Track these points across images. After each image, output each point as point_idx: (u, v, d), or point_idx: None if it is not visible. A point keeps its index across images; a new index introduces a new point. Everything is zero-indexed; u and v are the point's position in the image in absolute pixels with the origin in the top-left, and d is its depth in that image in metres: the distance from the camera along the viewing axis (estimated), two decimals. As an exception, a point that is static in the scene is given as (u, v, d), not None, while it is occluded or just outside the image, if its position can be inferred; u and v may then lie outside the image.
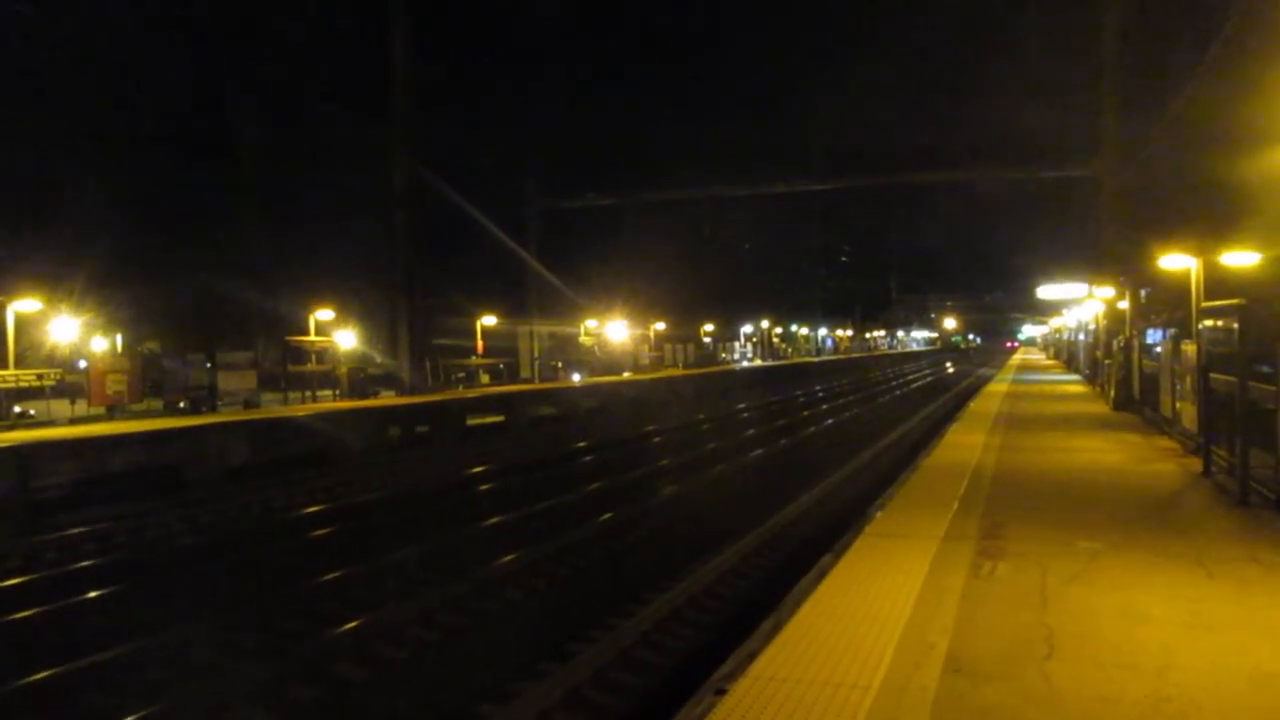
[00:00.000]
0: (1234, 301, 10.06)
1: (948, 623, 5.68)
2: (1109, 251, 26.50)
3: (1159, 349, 19.65)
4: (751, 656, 5.18)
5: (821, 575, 6.94)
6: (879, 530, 8.41)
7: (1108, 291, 25.03)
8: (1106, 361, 24.79)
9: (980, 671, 4.88)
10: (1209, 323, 12.48)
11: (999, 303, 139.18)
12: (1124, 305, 23.71)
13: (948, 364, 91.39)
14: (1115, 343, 23.25)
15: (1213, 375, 11.30)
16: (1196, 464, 11.99)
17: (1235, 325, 10.04)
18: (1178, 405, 14.95)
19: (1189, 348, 13.54)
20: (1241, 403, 9.60)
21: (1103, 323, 27.64)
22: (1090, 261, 31.23)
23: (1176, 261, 14.68)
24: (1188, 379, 13.67)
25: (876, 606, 6.04)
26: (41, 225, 38.82)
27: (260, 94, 47.77)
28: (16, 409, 24.48)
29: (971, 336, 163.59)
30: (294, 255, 45.04)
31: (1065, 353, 53.30)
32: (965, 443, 15.17)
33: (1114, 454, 13.85)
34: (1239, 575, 6.68)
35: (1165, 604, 6.02)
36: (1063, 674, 4.83)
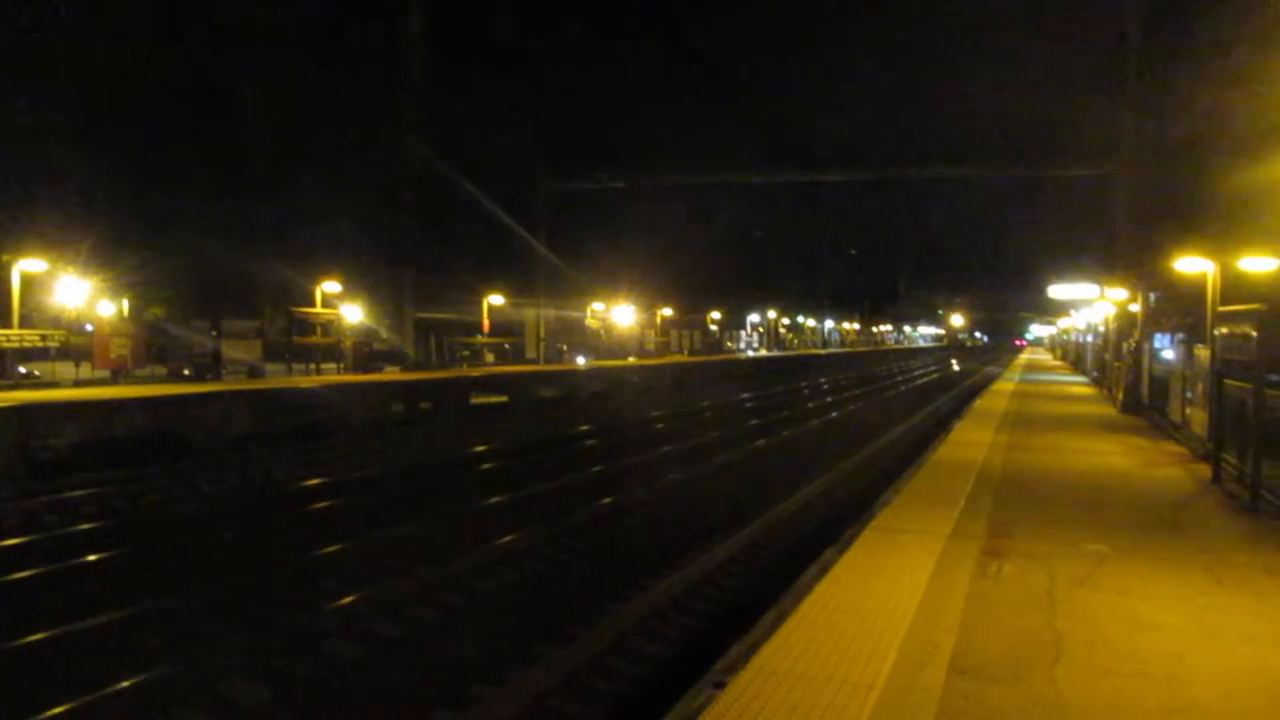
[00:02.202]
0: (1252, 306, 9.91)
1: (953, 623, 5.58)
2: (1123, 253, 26.29)
3: (1165, 353, 19.53)
4: (752, 649, 5.07)
5: (825, 569, 6.83)
6: (884, 525, 8.30)
7: (1119, 293, 24.83)
8: (1116, 364, 24.62)
9: (986, 674, 4.78)
10: (1224, 328, 12.36)
11: (1007, 301, 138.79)
12: (1135, 308, 23.51)
13: (953, 361, 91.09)
14: (1125, 345, 23.07)
15: (1226, 381, 11.15)
16: (1205, 470, 11.86)
17: (1253, 331, 9.90)
18: (1187, 410, 14.83)
19: (1202, 352, 13.41)
20: (1256, 410, 9.47)
21: (1113, 325, 27.45)
22: (1103, 263, 31.01)
23: (1193, 265, 14.49)
24: (1199, 384, 13.55)
25: (881, 603, 5.93)
26: (48, 187, 38.69)
27: (270, 63, 47.46)
28: (21, 369, 24.46)
29: (978, 334, 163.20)
30: (300, 226, 44.85)
31: (1073, 354, 53.08)
32: (972, 440, 15.05)
33: (1122, 457, 13.71)
34: (1251, 585, 6.56)
35: (1175, 611, 5.90)
36: (1071, 680, 4.72)
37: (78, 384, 24.08)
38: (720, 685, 4.56)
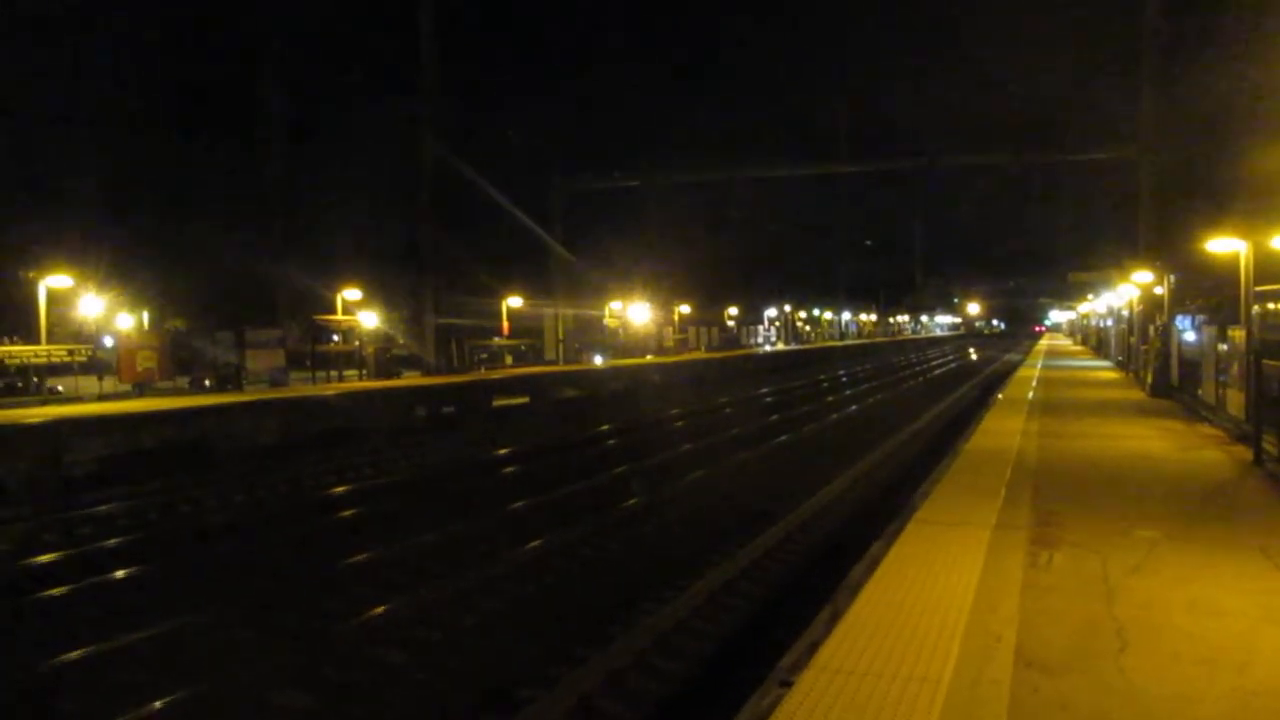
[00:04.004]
0: (1293, 285, 9.74)
1: (1011, 614, 5.49)
2: (1146, 235, 26.00)
3: (1187, 334, 19.32)
4: (814, 647, 5.00)
5: (874, 564, 6.75)
6: (928, 518, 8.20)
7: (1144, 276, 24.58)
8: (1143, 347, 24.37)
9: (1054, 666, 4.69)
10: (1260, 307, 12.19)
11: (1024, 288, 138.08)
12: (1160, 290, 23.27)
13: (970, 349, 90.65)
14: (1152, 328, 22.84)
15: (1266, 361, 11.00)
16: (1244, 452, 11.71)
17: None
18: (1222, 392, 14.64)
19: (1237, 333, 13.23)
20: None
21: (1138, 308, 27.18)
22: (1124, 246, 30.69)
23: (1225, 244, 14.27)
24: (1235, 365, 13.37)
25: (935, 596, 5.84)
26: (70, 203, 38.97)
27: (288, 73, 47.63)
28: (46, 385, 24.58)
29: (995, 322, 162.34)
30: (317, 234, 45.04)
31: (1095, 338, 52.65)
32: (1004, 429, 14.90)
33: (1157, 441, 13.55)
34: (1309, 568, 6.44)
35: (1236, 596, 5.79)
36: (1140, 669, 4.63)
37: (101, 398, 24.18)
38: (787, 684, 4.49)
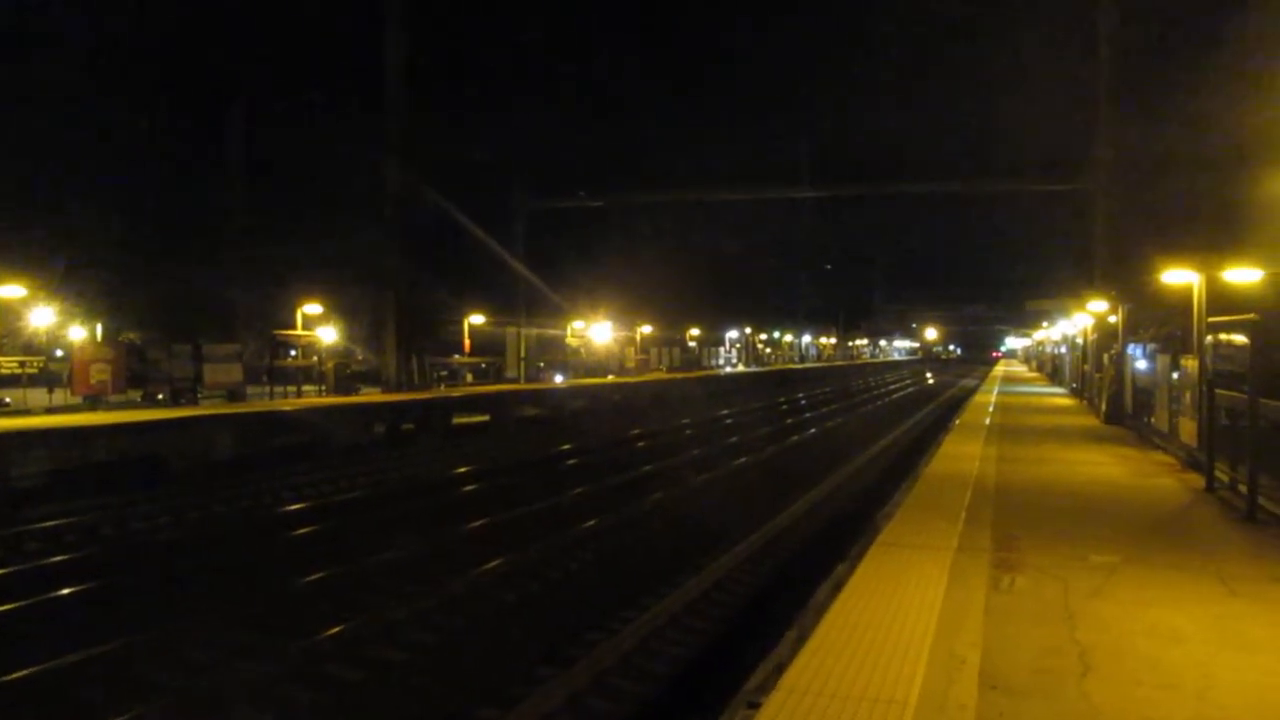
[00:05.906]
0: (1246, 316, 9.97)
1: (975, 637, 5.53)
2: (1101, 265, 26.50)
3: (1141, 363, 19.68)
4: (780, 668, 5.00)
5: (838, 586, 6.78)
6: (891, 540, 8.25)
7: (1099, 305, 25.05)
8: (1097, 375, 24.79)
9: (1018, 689, 4.73)
10: (1212, 338, 12.46)
11: (980, 314, 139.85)
12: (1115, 319, 23.71)
13: (928, 374, 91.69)
14: (1106, 356, 23.25)
15: (1218, 391, 11.22)
16: (1197, 479, 11.92)
17: (1246, 340, 9.97)
18: (1175, 420, 14.91)
19: (1189, 363, 13.50)
20: (1253, 420, 9.51)
21: (1092, 336, 27.67)
22: (1080, 275, 31.25)
23: (1178, 276, 14.61)
24: (1187, 394, 13.63)
25: (900, 618, 5.87)
26: (22, 213, 38.24)
27: (249, 89, 47.17)
28: (-9, 397, 24.05)
29: (952, 347, 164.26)
30: (275, 249, 44.52)
31: (1050, 365, 53.47)
32: (963, 453, 15.06)
33: (1112, 467, 13.77)
34: (1263, 594, 6.56)
35: (1194, 622, 5.89)
36: (1103, 693, 4.68)
37: (51, 410, 23.69)
38: (754, 705, 4.49)
